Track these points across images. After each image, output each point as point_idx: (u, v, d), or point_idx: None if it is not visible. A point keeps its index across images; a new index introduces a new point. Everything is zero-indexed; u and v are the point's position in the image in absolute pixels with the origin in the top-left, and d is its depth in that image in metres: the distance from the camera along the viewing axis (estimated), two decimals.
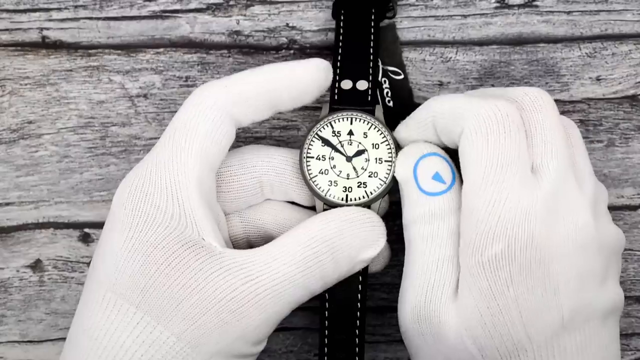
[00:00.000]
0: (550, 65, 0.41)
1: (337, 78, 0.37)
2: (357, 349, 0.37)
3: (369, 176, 0.36)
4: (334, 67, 0.38)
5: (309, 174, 0.36)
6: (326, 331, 0.37)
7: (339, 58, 0.38)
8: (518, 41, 0.41)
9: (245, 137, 0.41)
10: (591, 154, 0.41)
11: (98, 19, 0.41)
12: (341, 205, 0.36)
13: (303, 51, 0.41)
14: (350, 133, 0.36)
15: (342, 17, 0.39)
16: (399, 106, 0.40)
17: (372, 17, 0.38)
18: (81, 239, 0.41)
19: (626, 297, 0.41)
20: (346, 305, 0.37)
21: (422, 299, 0.33)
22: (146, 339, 0.32)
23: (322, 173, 0.36)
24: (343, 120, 0.36)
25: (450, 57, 0.41)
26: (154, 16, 0.41)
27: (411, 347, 0.35)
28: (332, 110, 0.36)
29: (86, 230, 0.41)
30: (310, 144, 0.36)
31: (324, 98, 0.37)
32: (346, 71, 0.37)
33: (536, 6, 0.41)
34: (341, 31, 0.38)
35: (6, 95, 0.41)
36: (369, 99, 0.37)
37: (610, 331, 0.33)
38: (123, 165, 0.41)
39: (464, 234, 0.33)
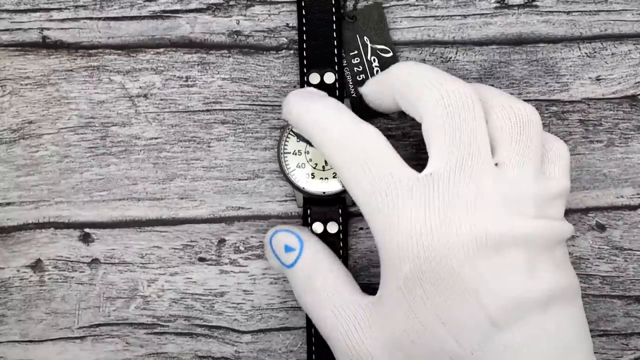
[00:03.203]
0: (550, 65, 0.41)
1: (305, 71, 0.39)
2: None
3: None
4: (300, 60, 0.39)
5: (287, 169, 0.38)
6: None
7: (304, 53, 0.39)
8: (518, 41, 0.41)
9: (246, 137, 0.41)
10: (591, 154, 0.41)
11: (98, 19, 0.41)
12: (320, 197, 0.38)
13: None
14: None
15: (303, 12, 0.39)
16: None
17: (333, 6, 0.39)
18: (81, 238, 0.41)
19: (626, 297, 0.41)
20: None
21: (345, 350, 0.35)
22: None
23: (299, 167, 0.38)
24: None
25: (450, 57, 0.41)
26: (154, 16, 0.41)
27: None
28: None
29: (86, 230, 0.41)
30: (286, 141, 0.38)
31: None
32: (313, 64, 0.39)
33: (536, 6, 0.41)
34: (304, 21, 0.39)
35: (6, 95, 0.41)
36: (337, 93, 0.39)
37: (557, 318, 0.33)
38: (123, 165, 0.41)
39: (381, 266, 0.34)
